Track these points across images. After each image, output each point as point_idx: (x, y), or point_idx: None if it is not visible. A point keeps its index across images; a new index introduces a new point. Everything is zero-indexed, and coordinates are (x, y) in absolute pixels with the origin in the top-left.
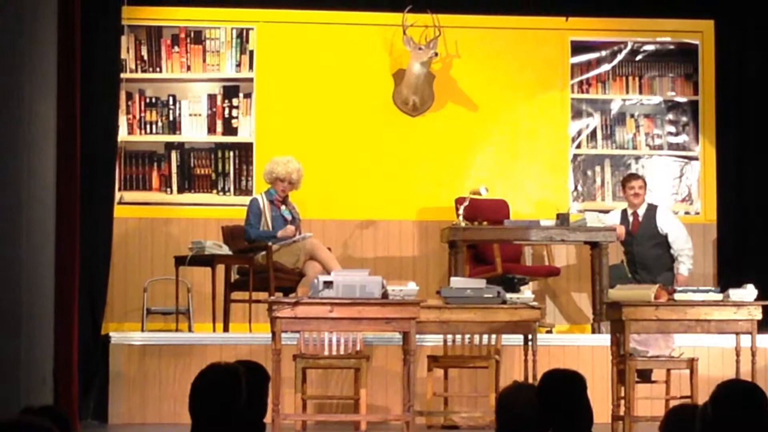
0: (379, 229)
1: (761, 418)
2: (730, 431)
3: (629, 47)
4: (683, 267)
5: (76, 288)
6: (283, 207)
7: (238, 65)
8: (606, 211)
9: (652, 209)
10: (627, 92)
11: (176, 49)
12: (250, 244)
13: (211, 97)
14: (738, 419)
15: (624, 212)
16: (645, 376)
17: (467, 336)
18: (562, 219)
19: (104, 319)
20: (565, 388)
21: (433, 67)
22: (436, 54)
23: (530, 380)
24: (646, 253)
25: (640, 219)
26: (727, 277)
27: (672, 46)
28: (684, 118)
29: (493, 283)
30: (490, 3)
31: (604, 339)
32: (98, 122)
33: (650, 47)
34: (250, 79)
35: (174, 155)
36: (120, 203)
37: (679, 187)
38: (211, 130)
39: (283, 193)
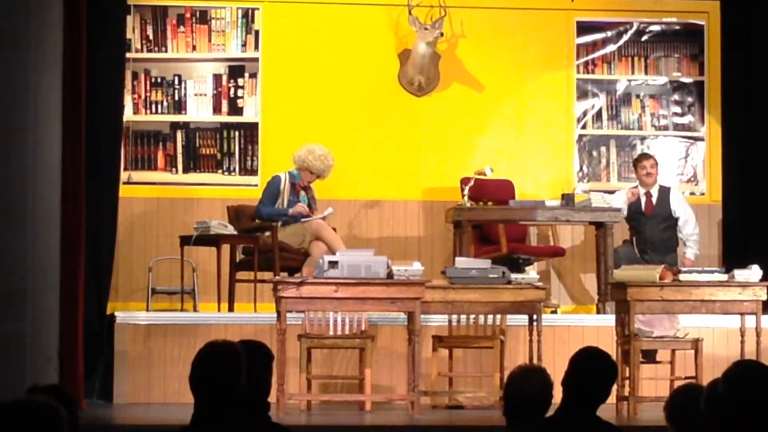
0: (384, 209)
1: None
2: (742, 410)
3: (635, 27)
4: (690, 251)
5: (81, 267)
6: (302, 193)
7: (244, 45)
8: (611, 191)
9: (665, 191)
10: (632, 73)
11: (182, 28)
12: (260, 221)
13: (217, 77)
14: (752, 399)
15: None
16: (650, 357)
17: (472, 316)
18: (568, 199)
19: (109, 299)
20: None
21: (439, 47)
22: (442, 34)
23: (535, 361)
24: (657, 234)
25: (654, 200)
26: (732, 258)
27: (678, 27)
28: (689, 99)
29: (498, 263)
30: None
31: (609, 319)
32: (104, 102)
33: (656, 28)
34: (256, 59)
35: (179, 135)
36: (128, 183)
37: (685, 168)
38: (217, 110)
39: (309, 182)
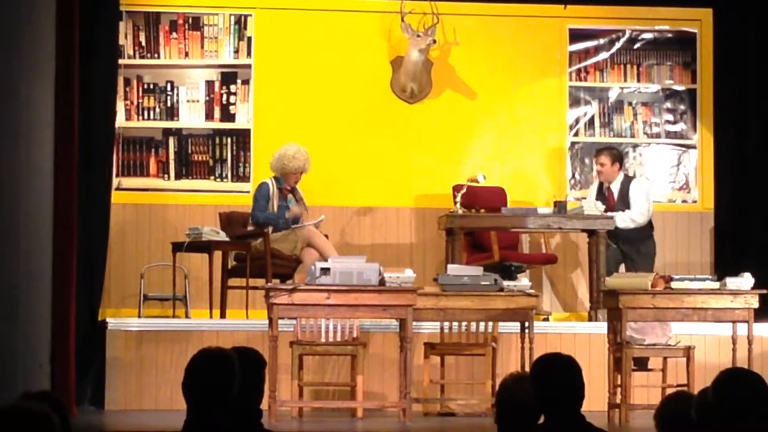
0: (376, 216)
1: (762, 407)
2: (732, 418)
3: (627, 35)
4: (619, 217)
5: (73, 274)
6: (290, 196)
7: (236, 52)
8: None
9: (627, 182)
10: (625, 80)
11: (174, 35)
12: (258, 226)
13: (209, 84)
14: (741, 407)
15: (600, 186)
16: (641, 364)
17: (464, 323)
18: (560, 207)
19: (101, 305)
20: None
21: (431, 54)
22: (434, 41)
23: (527, 368)
24: None
25: (615, 194)
26: (724, 266)
27: (670, 35)
28: (682, 107)
29: (490, 270)
30: None
31: (601, 327)
32: (96, 108)
33: (648, 35)
34: (248, 66)
35: (172, 141)
36: (118, 189)
37: (677, 176)
38: (209, 116)
39: (295, 183)
